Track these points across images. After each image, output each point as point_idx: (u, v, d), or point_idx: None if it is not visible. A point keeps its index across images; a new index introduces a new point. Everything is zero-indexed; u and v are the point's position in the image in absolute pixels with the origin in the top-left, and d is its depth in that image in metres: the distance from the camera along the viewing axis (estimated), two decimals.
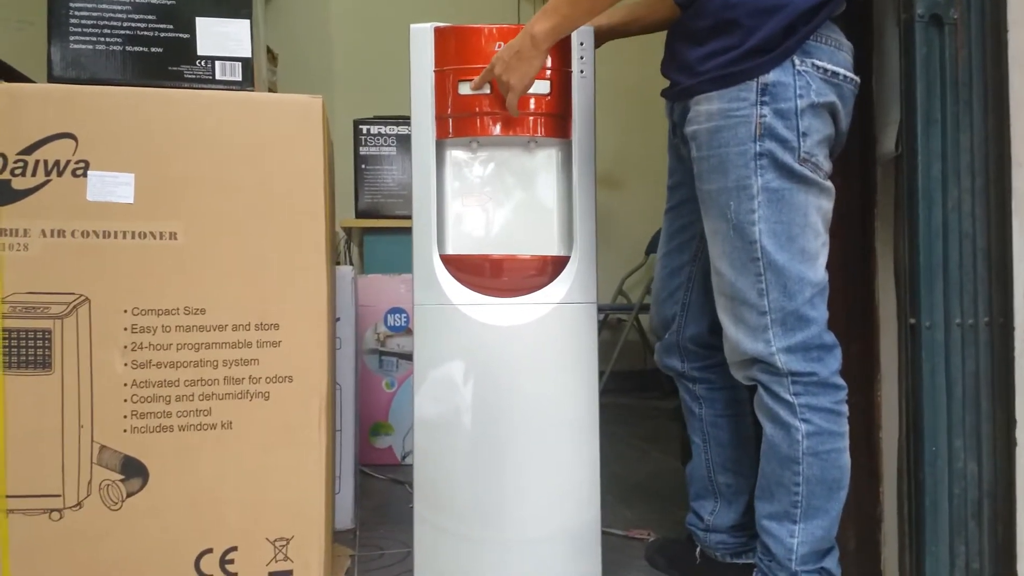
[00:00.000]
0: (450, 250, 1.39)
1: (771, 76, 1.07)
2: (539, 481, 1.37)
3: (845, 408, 1.17)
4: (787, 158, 1.09)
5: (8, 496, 1.27)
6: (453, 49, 1.33)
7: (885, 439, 1.24)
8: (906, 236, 1.08)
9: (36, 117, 1.26)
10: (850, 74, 1.13)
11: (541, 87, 1.32)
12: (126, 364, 1.31)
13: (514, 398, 1.36)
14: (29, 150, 1.26)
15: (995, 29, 1.08)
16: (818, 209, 1.13)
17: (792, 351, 1.13)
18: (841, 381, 1.16)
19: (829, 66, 1.10)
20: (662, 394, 3.66)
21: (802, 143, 1.09)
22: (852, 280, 1.27)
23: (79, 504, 1.30)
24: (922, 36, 1.05)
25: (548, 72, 1.32)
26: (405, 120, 2.54)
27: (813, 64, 1.09)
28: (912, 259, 1.06)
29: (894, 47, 1.12)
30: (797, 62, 1.08)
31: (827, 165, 1.14)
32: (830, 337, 1.16)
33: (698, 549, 1.46)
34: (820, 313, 1.15)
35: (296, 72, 2.98)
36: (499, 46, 1.30)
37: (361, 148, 2.56)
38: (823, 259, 1.15)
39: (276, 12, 3.15)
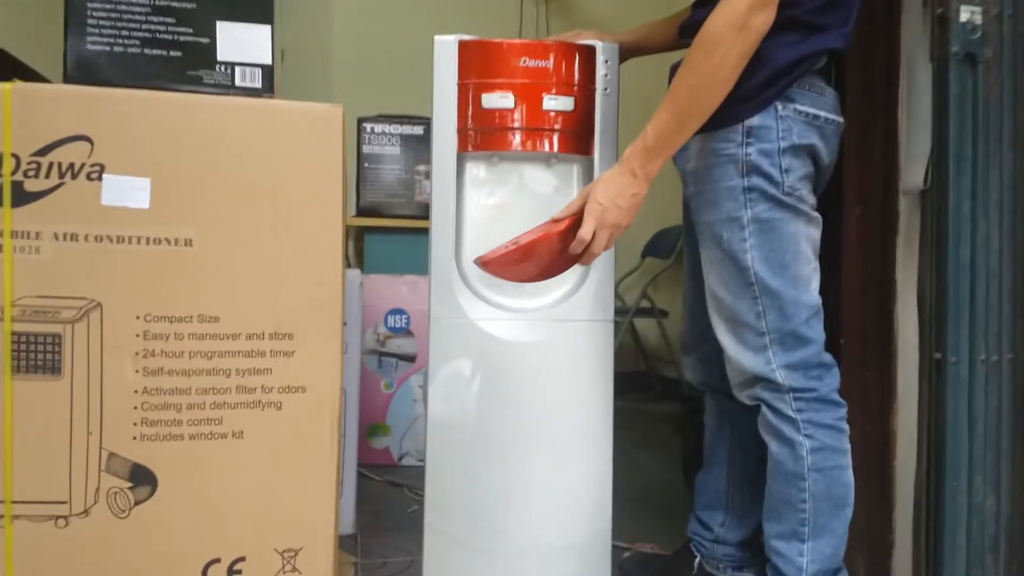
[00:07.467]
0: (466, 263, 1.37)
1: (755, 120, 1.17)
2: (551, 493, 1.36)
3: (846, 426, 1.20)
4: (774, 191, 1.17)
5: (14, 502, 1.25)
6: (477, 63, 1.32)
7: (899, 467, 1.25)
8: (934, 271, 1.09)
9: (51, 118, 1.23)
10: (832, 116, 1.21)
11: (565, 104, 1.31)
12: (137, 371, 1.29)
13: (528, 410, 1.36)
14: (43, 152, 1.23)
15: None
16: (807, 237, 1.20)
17: (792, 368, 1.18)
18: (840, 399, 1.21)
19: (811, 110, 1.19)
20: (652, 396, 3.68)
21: (785, 179, 1.17)
22: (871, 308, 1.28)
23: (86, 511, 1.28)
24: (956, 74, 1.06)
25: (574, 89, 1.31)
26: (409, 119, 2.56)
27: (795, 109, 1.18)
28: (940, 294, 1.07)
29: (925, 82, 1.12)
30: (780, 107, 1.17)
31: (811, 199, 1.22)
32: (828, 357, 1.21)
33: (697, 560, 1.47)
34: (817, 334, 1.20)
35: (299, 66, 2.94)
36: (524, 61, 1.29)
37: (364, 146, 2.54)
38: (815, 284, 1.21)
39: (279, 5, 3.10)
